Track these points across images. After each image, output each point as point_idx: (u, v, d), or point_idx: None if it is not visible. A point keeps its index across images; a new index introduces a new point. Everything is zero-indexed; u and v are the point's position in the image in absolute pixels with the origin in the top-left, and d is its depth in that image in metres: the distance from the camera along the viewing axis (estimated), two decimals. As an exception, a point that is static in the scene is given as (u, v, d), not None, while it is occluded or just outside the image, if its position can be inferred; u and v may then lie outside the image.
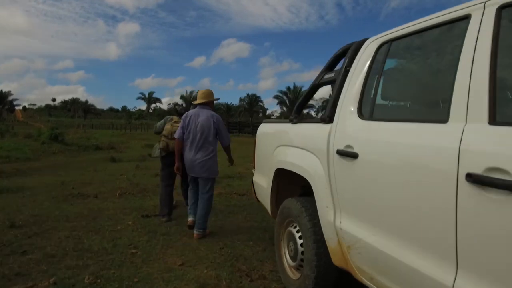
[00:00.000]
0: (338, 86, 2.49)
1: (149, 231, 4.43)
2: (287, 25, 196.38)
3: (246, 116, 74.31)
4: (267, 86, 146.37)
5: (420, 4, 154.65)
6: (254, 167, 3.96)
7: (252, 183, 3.93)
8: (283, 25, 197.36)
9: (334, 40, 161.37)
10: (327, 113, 2.47)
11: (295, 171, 2.73)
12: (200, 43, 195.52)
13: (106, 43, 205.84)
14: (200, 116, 4.17)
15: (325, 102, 74.20)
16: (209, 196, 4.25)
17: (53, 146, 16.63)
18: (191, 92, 78.16)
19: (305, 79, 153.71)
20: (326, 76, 2.74)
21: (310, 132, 2.66)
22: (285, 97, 68.14)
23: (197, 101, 4.32)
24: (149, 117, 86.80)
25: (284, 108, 69.83)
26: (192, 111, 4.26)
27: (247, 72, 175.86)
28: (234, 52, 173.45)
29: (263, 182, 3.54)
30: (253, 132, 32.61)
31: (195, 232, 4.18)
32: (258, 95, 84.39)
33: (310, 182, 2.51)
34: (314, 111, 72.47)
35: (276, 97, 68.28)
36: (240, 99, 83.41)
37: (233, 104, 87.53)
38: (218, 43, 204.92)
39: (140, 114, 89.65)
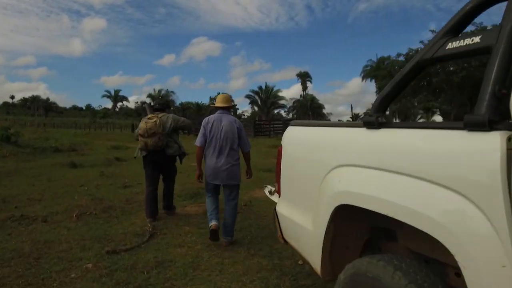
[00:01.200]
0: (504, 58, 1.27)
1: (117, 282, 3.05)
2: (258, 25, 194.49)
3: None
4: (238, 85, 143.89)
5: (386, 8, 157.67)
6: (278, 191, 2.69)
7: (275, 214, 2.66)
8: (254, 25, 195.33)
9: (303, 41, 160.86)
10: (484, 111, 1.24)
11: (405, 221, 1.47)
12: (169, 40, 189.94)
13: (71, 39, 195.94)
14: (223, 121, 4.00)
15: (296, 102, 74.13)
16: (235, 203, 4.14)
17: (3, 149, 14.57)
18: (159, 91, 75.67)
19: (276, 79, 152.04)
20: (453, 45, 1.50)
21: (437, 147, 1.40)
22: (256, 97, 66.98)
23: (219, 104, 4.13)
24: (115, 116, 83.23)
25: (256, 108, 68.72)
26: (213, 116, 4.07)
27: (217, 71, 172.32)
28: (204, 50, 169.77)
29: (302, 220, 2.27)
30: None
31: (225, 239, 4.03)
32: (229, 94, 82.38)
33: (454, 252, 1.26)
34: (285, 112, 71.91)
35: (247, 96, 66.95)
36: (210, 98, 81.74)
37: (203, 103, 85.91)
38: (188, 41, 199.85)
39: (105, 112, 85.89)
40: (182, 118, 5.17)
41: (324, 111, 74.43)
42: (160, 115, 4.84)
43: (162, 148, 4.73)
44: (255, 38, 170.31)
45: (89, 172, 9.58)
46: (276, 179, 2.66)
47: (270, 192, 3.15)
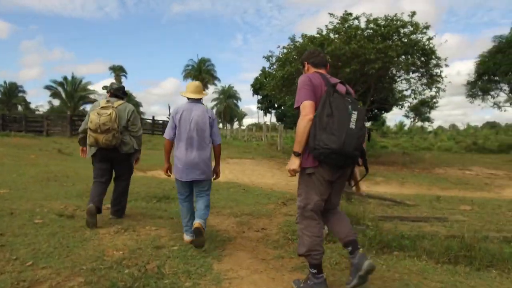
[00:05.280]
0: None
1: None
2: (59, 10, 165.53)
3: (2, 109, 57.20)
4: (32, 75, 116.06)
5: (199, 14, 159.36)
6: None
7: None
8: (54, 8, 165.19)
9: (114, 33, 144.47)
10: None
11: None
12: None
13: None
14: (194, 111, 3.66)
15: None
16: (208, 194, 3.79)
17: None
18: None
19: (82, 72, 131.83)
20: None
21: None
22: (60, 89, 55.54)
23: (190, 96, 3.74)
24: None
25: (57, 102, 57.17)
26: (182, 106, 3.71)
27: (4, 56, 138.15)
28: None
29: None
30: (29, 130, 22.58)
31: (199, 221, 3.55)
32: (19, 84, 66.44)
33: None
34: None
35: (48, 87, 54.61)
36: (-9, 89, 64.27)
37: (-20, 94, 67.22)
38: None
39: None
40: (139, 124, 4.34)
41: (141, 109, 68.91)
42: (116, 104, 4.10)
43: (115, 146, 4.04)
44: (56, 23, 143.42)
45: None
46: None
47: None
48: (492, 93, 24.40)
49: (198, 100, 3.75)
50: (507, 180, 10.42)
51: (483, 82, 23.50)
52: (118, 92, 4.30)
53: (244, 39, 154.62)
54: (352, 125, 2.39)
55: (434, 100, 21.01)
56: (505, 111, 26.05)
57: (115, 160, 4.20)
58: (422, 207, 6.29)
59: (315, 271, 2.69)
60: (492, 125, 53.85)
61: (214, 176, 3.83)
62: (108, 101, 4.13)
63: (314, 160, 2.55)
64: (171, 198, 5.99)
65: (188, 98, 3.74)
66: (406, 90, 15.82)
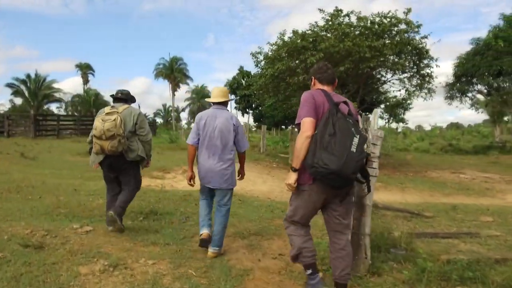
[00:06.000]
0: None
1: None
2: (22, 4, 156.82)
3: (-45, 109, 53.30)
4: None
5: (170, 12, 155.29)
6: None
7: None
8: (16, 3, 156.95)
9: (81, 31, 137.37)
10: None
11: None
12: None
13: None
14: (218, 118, 3.62)
15: (77, 97, 62.57)
16: (228, 209, 3.75)
17: None
18: None
19: (47, 69, 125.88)
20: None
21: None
22: (23, 87, 52.48)
23: (214, 99, 3.72)
24: None
25: (20, 100, 54.01)
26: (206, 112, 3.71)
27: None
28: None
29: None
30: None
31: (211, 250, 3.55)
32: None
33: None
34: (58, 108, 59.82)
35: (10, 85, 51.46)
36: None
37: None
38: None
39: None
40: (148, 127, 4.13)
41: (110, 109, 66.13)
42: (120, 109, 3.94)
43: (122, 152, 3.87)
44: (18, 19, 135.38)
45: None
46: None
47: None
48: (469, 94, 24.64)
49: (223, 107, 3.74)
50: (505, 184, 10.13)
51: (461, 83, 23.63)
52: (124, 96, 4.21)
53: (216, 39, 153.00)
54: (353, 148, 2.37)
55: (409, 101, 20.72)
56: (482, 112, 26.45)
57: (120, 168, 4.08)
58: (442, 219, 5.69)
59: (310, 271, 2.70)
60: (456, 126, 55.47)
61: (240, 177, 3.92)
62: (112, 106, 4.06)
63: (309, 177, 2.54)
64: (159, 214, 5.08)
65: (213, 103, 3.72)
66: (399, 90, 15.46)
